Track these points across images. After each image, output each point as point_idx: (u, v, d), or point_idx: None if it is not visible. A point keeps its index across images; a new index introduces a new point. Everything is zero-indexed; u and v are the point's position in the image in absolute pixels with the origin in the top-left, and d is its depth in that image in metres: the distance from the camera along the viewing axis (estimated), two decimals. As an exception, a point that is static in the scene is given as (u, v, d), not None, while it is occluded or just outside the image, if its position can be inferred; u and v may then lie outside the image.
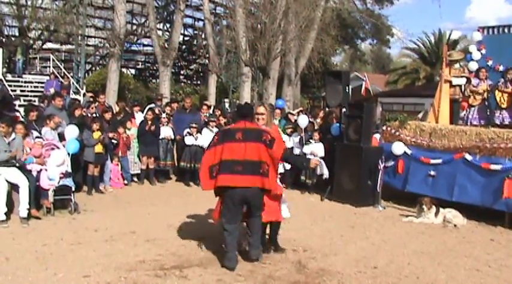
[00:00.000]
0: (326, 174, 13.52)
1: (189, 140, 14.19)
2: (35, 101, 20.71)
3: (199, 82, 41.44)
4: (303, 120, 14.01)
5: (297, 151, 14.02)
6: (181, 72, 42.07)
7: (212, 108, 18.78)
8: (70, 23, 31.16)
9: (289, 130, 14.67)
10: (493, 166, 10.90)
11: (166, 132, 14.60)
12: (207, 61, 33.79)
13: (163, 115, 15.03)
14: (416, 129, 12.83)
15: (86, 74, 33.63)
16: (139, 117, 15.20)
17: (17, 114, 13.95)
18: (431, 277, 7.51)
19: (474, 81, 13.92)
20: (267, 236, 8.33)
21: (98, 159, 12.85)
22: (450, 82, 13.79)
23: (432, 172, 12.01)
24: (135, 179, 14.52)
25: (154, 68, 38.97)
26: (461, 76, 13.90)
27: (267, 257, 7.91)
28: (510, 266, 8.26)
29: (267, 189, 7.40)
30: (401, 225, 10.80)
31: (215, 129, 14.50)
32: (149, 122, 14.20)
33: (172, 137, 14.80)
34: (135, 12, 35.93)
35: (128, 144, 14.02)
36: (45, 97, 16.97)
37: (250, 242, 7.66)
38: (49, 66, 31.05)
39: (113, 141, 13.50)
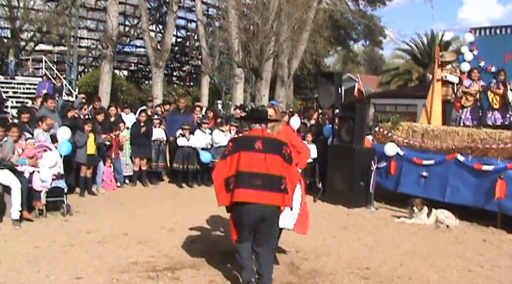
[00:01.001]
0: None
1: (181, 141, 14.17)
2: (27, 103, 20.66)
3: (192, 83, 41.45)
4: (295, 122, 14.01)
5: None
6: (174, 73, 42.10)
7: (205, 109, 18.79)
8: (62, 24, 31.18)
9: None
10: (485, 167, 10.92)
11: (158, 133, 14.58)
12: (199, 62, 33.84)
13: (156, 116, 15.01)
14: (408, 130, 12.85)
15: (79, 76, 33.60)
16: (129, 118, 15.15)
17: (7, 115, 13.91)
18: (424, 278, 7.52)
19: (466, 82, 13.93)
20: None
21: (90, 160, 12.82)
22: (443, 80, 13.82)
23: (424, 173, 12.03)
24: (128, 181, 14.49)
25: (147, 69, 38.99)
26: (455, 75, 13.94)
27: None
28: (502, 266, 8.28)
29: (286, 205, 6.63)
30: (393, 226, 10.81)
31: (208, 131, 14.54)
32: (141, 124, 14.18)
33: (165, 139, 14.78)
34: (128, 14, 35.93)
35: (120, 145, 14.00)
36: (38, 96, 16.94)
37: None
38: (41, 68, 31.03)
39: (106, 142, 13.47)
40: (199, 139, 14.26)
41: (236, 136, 14.18)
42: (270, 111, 7.39)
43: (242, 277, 6.73)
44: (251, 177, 6.39)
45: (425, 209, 11.02)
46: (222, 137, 14.37)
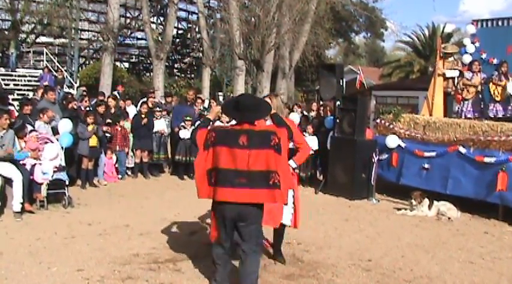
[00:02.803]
0: None
1: (183, 134, 14.16)
2: (28, 95, 20.66)
3: (193, 75, 41.37)
4: (295, 118, 13.96)
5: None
6: (175, 65, 42.03)
7: (208, 101, 18.78)
8: (63, 16, 31.08)
9: None
10: (487, 159, 10.91)
11: (159, 125, 14.58)
12: (200, 54, 33.76)
13: (157, 108, 15.02)
14: (410, 122, 12.85)
15: (80, 68, 33.60)
16: (130, 110, 15.17)
17: (11, 108, 13.90)
18: (425, 270, 7.52)
19: (467, 74, 13.91)
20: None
21: (92, 152, 12.82)
22: (444, 75, 13.82)
23: (426, 165, 12.03)
24: (129, 173, 14.49)
25: (148, 61, 38.86)
26: (454, 69, 13.92)
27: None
28: (503, 258, 8.28)
29: (278, 201, 6.17)
30: (395, 218, 10.82)
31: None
32: (143, 116, 14.18)
33: (166, 131, 14.77)
34: (129, 6, 35.80)
35: (126, 137, 14.00)
36: (39, 87, 16.96)
37: None
38: (42, 60, 31.04)
39: (107, 134, 13.47)
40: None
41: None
42: (267, 100, 6.99)
43: None
44: (234, 175, 5.93)
45: (427, 201, 11.03)
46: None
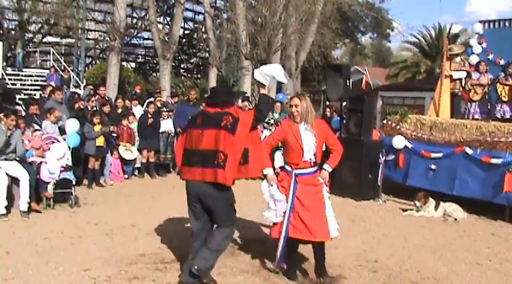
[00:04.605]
0: None
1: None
2: (35, 95, 20.71)
3: (199, 75, 41.37)
4: None
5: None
6: (182, 65, 42.03)
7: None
8: (70, 16, 31.14)
9: None
10: (494, 160, 10.90)
11: (166, 125, 14.60)
12: (207, 54, 33.75)
13: (164, 108, 15.04)
14: (416, 122, 12.84)
15: (86, 68, 33.62)
16: (137, 110, 15.21)
17: (18, 107, 13.97)
18: (432, 271, 7.51)
19: (475, 75, 13.90)
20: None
21: (98, 152, 12.86)
22: (451, 76, 13.80)
23: (433, 166, 12.02)
24: (136, 172, 14.51)
25: (155, 61, 38.90)
26: (461, 70, 13.89)
27: (268, 253, 7.91)
28: (510, 260, 8.27)
29: (220, 182, 6.10)
30: (401, 219, 10.81)
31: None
32: (149, 115, 14.20)
33: (173, 131, 14.80)
34: (135, 6, 35.81)
35: (132, 136, 14.04)
36: (48, 86, 17.04)
37: (200, 254, 6.31)
38: (49, 60, 31.04)
39: (113, 134, 13.50)
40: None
41: None
42: (295, 100, 6.88)
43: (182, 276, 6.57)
44: (191, 154, 6.31)
45: (433, 202, 11.03)
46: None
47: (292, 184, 6.85)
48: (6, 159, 9.70)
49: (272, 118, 15.03)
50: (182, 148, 6.48)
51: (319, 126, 6.92)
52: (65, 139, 11.40)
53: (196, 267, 6.16)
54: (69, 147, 11.26)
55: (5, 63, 27.43)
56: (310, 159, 6.86)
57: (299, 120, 6.84)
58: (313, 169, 6.93)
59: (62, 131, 11.89)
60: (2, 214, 9.42)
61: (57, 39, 36.02)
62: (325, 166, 7.01)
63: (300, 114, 6.82)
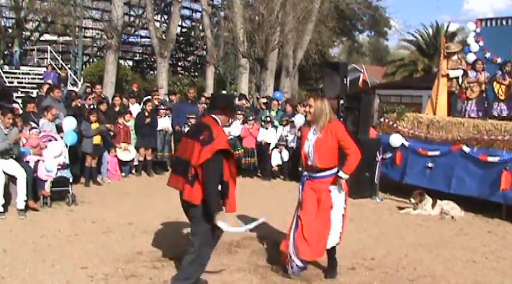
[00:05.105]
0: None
1: (189, 131, 14.18)
2: (32, 93, 20.69)
3: (197, 74, 41.38)
4: (300, 120, 13.93)
5: (292, 144, 14.21)
6: (179, 63, 41.97)
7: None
8: (67, 14, 31.08)
9: (284, 122, 14.76)
10: (491, 158, 10.91)
11: (164, 123, 14.59)
12: (204, 53, 33.67)
13: (162, 106, 15.04)
14: (413, 120, 12.85)
15: (84, 66, 33.53)
16: (134, 108, 15.20)
17: (16, 105, 13.95)
18: (429, 269, 7.53)
19: (471, 73, 13.89)
20: None
21: (95, 150, 12.86)
22: (447, 75, 13.80)
23: (430, 164, 12.03)
24: (133, 171, 14.50)
25: (152, 59, 38.83)
26: (458, 69, 13.89)
27: (265, 250, 7.92)
28: (507, 257, 8.28)
29: (185, 199, 5.97)
30: (398, 217, 10.82)
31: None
32: (146, 114, 14.19)
33: (170, 129, 14.80)
34: (133, 4, 35.74)
35: (128, 134, 14.02)
36: (45, 84, 17.02)
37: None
38: (46, 58, 31.03)
39: (110, 132, 13.48)
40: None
41: (242, 125, 14.33)
42: (310, 100, 6.71)
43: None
44: (176, 161, 6.34)
45: (430, 200, 11.04)
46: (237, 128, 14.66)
47: (300, 186, 6.90)
48: (3, 157, 9.69)
49: (268, 116, 15.05)
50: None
51: (331, 129, 6.60)
52: (62, 137, 11.39)
53: None
54: (66, 145, 11.25)
55: (2, 61, 27.46)
56: (312, 163, 6.71)
57: (312, 121, 6.72)
58: (320, 174, 6.73)
59: (59, 129, 11.88)
60: (-1, 212, 9.42)
61: (55, 37, 36.01)
62: (340, 173, 6.70)
63: (313, 114, 6.66)
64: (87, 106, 14.11)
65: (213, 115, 6.17)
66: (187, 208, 6.10)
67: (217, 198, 5.85)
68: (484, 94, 13.85)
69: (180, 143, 6.45)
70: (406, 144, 12.56)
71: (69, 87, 23.96)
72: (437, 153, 11.93)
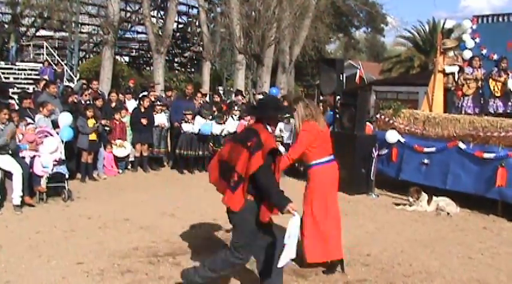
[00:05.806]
0: None
1: (186, 127, 14.17)
2: (28, 88, 20.65)
3: (193, 69, 41.38)
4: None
5: (288, 141, 14.18)
6: (175, 59, 41.96)
7: (208, 95, 18.76)
8: (63, 10, 30.94)
9: (280, 118, 14.75)
10: (486, 155, 10.92)
11: (160, 119, 14.58)
12: (201, 48, 33.70)
13: (158, 102, 15.03)
14: (410, 117, 12.83)
15: (80, 61, 33.49)
16: (130, 104, 15.19)
17: (12, 101, 13.93)
18: (424, 265, 7.54)
19: (468, 69, 13.91)
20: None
21: (91, 146, 12.83)
22: (444, 71, 13.82)
23: (426, 161, 12.04)
24: (129, 166, 14.49)
25: (148, 55, 38.81)
26: (454, 65, 13.91)
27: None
28: (502, 254, 8.30)
29: (224, 203, 5.75)
30: (394, 213, 10.83)
31: (210, 117, 14.53)
32: (142, 110, 14.18)
33: (166, 125, 14.79)
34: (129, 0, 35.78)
35: (124, 130, 14.01)
36: (41, 79, 17.00)
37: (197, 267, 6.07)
38: (42, 54, 30.93)
39: (106, 128, 13.46)
40: (199, 125, 14.24)
41: (238, 121, 14.32)
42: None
43: None
44: (221, 165, 5.91)
45: (426, 196, 11.05)
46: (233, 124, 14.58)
47: None
48: (-1, 153, 9.69)
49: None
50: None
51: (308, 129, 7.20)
52: (58, 133, 11.37)
53: (182, 273, 6.04)
54: (62, 141, 11.23)
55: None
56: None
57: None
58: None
59: (55, 125, 11.85)
60: (-5, 208, 9.41)
61: (51, 33, 35.89)
62: None
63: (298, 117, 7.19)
64: (83, 102, 14.08)
65: (262, 123, 5.88)
66: (227, 212, 5.85)
67: (280, 194, 5.61)
68: (480, 91, 13.86)
69: (225, 145, 6.23)
70: (402, 140, 12.56)
71: (65, 83, 23.92)
72: (433, 149, 11.94)
